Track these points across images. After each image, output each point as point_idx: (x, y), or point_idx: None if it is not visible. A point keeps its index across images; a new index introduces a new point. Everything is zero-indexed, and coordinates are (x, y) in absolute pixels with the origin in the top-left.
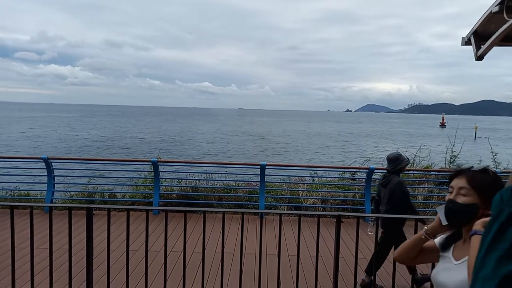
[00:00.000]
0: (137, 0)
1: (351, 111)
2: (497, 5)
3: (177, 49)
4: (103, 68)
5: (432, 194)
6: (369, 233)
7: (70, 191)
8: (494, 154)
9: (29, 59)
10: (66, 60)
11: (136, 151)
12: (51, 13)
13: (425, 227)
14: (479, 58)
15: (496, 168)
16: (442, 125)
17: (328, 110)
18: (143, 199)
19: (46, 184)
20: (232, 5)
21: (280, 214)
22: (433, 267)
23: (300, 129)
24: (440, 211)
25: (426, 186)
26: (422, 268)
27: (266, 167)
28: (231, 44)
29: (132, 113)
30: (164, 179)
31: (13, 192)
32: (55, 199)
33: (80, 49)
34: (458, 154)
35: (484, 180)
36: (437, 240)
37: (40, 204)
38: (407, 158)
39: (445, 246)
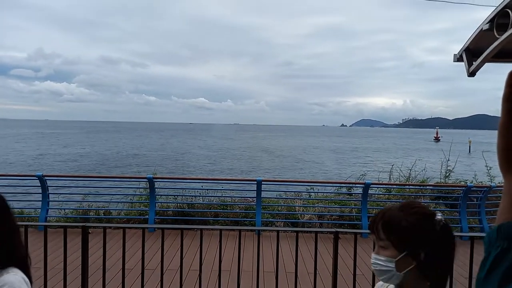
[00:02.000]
0: (133, 16)
1: (346, 125)
2: (487, 23)
3: (173, 65)
4: (99, 85)
5: None
6: None
7: (65, 209)
8: (488, 168)
9: (25, 76)
10: (62, 77)
11: (132, 168)
12: (48, 31)
13: None
14: (471, 74)
15: (492, 182)
16: (437, 139)
17: (323, 125)
18: (139, 216)
19: (40, 202)
20: (227, 21)
21: (278, 231)
22: None
23: (296, 144)
24: None
25: (423, 200)
26: None
27: (262, 182)
28: (226, 60)
29: (128, 129)
30: (160, 196)
31: None
32: (50, 217)
33: (76, 66)
34: (453, 168)
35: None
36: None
37: (34, 223)
38: None
39: None
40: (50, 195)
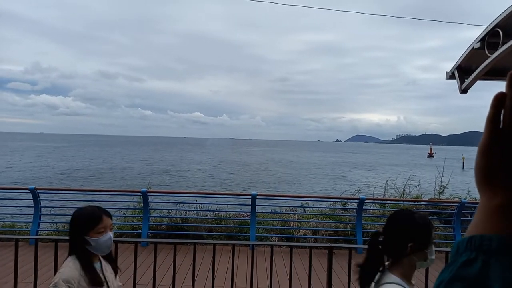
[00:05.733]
0: (130, 30)
1: (340, 141)
2: (478, 42)
3: (169, 80)
4: (96, 98)
5: None
6: None
7: (56, 223)
8: None
9: (21, 89)
10: (58, 90)
11: (126, 181)
12: (45, 44)
13: None
14: (464, 91)
15: None
16: (430, 155)
17: (318, 140)
18: (132, 231)
19: (32, 215)
20: (222, 37)
21: (272, 246)
22: None
23: (291, 159)
24: None
25: None
26: None
27: (257, 197)
28: (222, 75)
29: (123, 143)
30: (153, 210)
31: None
32: (41, 231)
33: (73, 79)
34: (447, 184)
35: None
36: None
37: (25, 237)
38: None
39: None
40: (42, 208)
